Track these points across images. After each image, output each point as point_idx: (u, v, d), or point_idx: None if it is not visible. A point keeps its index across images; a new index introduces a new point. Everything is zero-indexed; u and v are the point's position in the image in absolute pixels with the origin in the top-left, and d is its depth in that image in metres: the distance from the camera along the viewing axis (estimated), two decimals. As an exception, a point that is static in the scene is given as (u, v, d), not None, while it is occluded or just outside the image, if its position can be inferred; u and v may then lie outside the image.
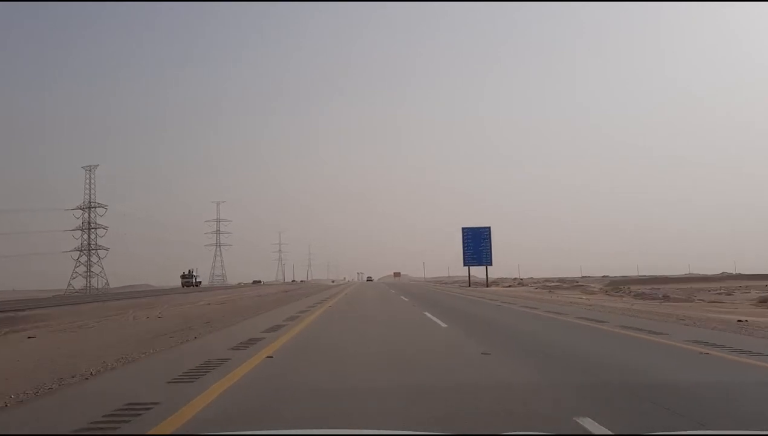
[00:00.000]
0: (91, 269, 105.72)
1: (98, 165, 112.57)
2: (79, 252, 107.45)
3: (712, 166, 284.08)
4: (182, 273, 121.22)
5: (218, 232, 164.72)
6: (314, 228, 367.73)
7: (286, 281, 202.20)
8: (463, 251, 66.96)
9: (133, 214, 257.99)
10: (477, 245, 66.47)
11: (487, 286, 61.06)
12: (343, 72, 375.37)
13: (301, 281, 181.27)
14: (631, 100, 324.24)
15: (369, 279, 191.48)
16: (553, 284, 60.96)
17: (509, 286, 64.40)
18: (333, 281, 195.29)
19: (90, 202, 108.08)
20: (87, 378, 7.13)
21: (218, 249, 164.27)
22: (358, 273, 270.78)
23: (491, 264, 66.42)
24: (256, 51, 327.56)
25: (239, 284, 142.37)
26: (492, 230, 67.42)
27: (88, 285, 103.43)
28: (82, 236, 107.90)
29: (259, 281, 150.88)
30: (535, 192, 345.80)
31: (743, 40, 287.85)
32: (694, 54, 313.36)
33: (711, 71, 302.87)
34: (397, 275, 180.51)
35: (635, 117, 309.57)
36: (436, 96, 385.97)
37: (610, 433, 4.28)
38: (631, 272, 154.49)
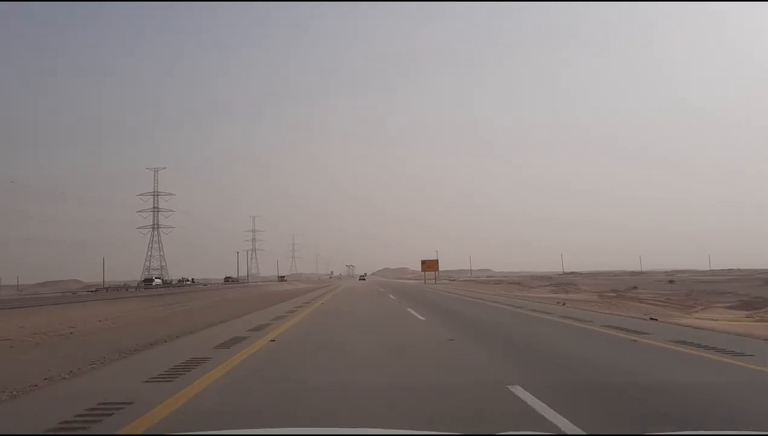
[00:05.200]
0: None
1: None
2: None
3: (705, 167, 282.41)
4: None
5: (156, 209, 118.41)
6: (306, 223, 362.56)
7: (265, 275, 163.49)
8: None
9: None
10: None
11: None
12: (342, 74, 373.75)
13: (233, 280, 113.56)
14: (627, 102, 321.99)
15: (362, 278, 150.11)
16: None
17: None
18: (283, 279, 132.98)
19: None
20: None
21: (155, 233, 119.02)
22: (347, 266, 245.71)
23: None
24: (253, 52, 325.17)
25: (140, 283, 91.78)
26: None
27: None
28: None
29: (151, 280, 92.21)
30: (531, 192, 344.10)
31: (742, 41, 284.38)
32: (691, 56, 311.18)
33: (708, 73, 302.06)
34: (430, 266, 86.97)
35: (631, 118, 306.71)
36: (431, 98, 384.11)
37: (606, 433, 4.27)
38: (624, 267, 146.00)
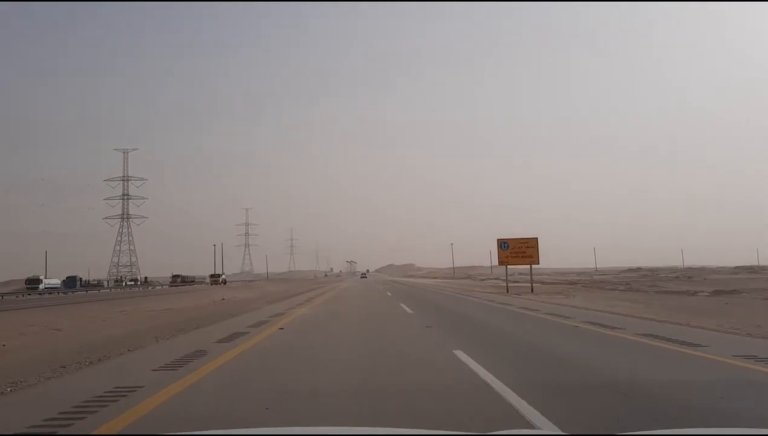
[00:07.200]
0: None
1: None
2: None
3: (705, 167, 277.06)
4: None
5: (125, 197, 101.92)
6: (306, 222, 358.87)
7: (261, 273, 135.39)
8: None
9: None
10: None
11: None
12: (342, 74, 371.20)
13: (183, 279, 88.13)
14: (627, 102, 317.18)
15: (363, 276, 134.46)
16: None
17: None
18: (218, 280, 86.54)
19: None
20: None
21: (125, 224, 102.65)
22: (347, 262, 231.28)
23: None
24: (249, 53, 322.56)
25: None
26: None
27: None
28: None
29: (37, 281, 64.26)
30: (531, 191, 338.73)
31: (742, 41, 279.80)
32: (691, 56, 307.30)
33: (708, 74, 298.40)
34: (522, 253, 34.70)
35: (631, 118, 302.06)
36: (431, 97, 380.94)
37: (606, 433, 4.13)
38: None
